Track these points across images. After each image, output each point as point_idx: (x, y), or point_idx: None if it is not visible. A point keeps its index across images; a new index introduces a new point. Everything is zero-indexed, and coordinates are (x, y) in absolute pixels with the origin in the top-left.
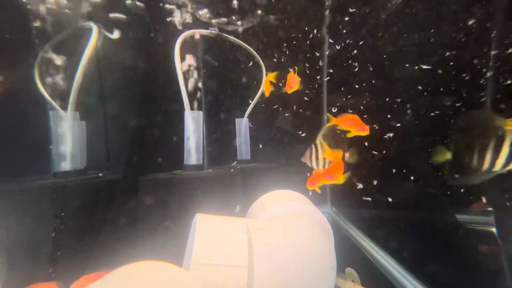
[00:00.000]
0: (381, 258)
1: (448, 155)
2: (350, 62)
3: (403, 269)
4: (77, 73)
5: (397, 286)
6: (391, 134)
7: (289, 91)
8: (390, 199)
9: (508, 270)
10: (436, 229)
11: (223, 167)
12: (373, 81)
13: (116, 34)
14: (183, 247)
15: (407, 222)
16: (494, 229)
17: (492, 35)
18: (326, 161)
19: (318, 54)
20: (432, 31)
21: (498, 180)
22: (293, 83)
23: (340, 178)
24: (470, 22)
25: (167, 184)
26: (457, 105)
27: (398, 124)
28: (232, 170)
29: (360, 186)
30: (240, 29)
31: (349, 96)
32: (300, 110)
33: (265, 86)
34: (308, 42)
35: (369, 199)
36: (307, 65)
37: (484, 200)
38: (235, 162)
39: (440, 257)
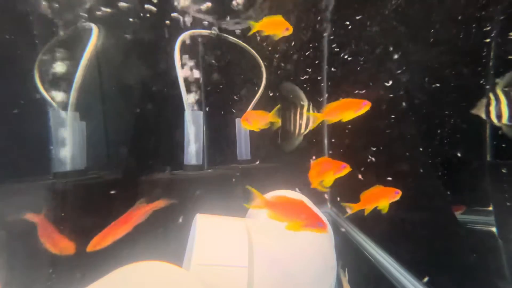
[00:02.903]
0: (381, 258)
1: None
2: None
3: (403, 269)
4: (77, 73)
5: (397, 286)
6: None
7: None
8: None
9: (508, 270)
10: (436, 229)
11: (223, 167)
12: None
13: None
14: (183, 247)
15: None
16: (494, 229)
17: None
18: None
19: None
20: None
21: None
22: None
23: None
24: None
25: (168, 184)
26: None
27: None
28: (232, 170)
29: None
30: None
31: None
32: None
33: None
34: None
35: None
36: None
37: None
38: (235, 162)
39: (440, 257)
